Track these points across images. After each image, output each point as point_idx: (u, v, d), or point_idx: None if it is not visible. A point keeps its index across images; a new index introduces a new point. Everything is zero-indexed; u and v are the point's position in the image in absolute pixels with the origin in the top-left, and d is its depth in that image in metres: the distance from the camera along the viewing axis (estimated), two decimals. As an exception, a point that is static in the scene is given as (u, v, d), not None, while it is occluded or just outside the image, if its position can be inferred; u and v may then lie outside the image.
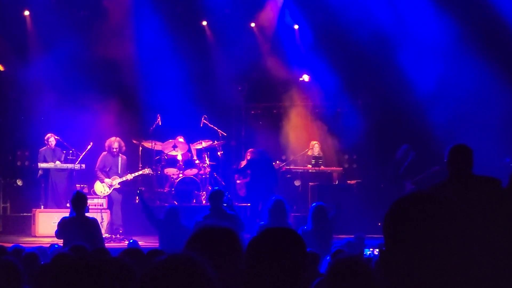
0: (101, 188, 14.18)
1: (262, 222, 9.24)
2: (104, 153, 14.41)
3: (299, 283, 2.63)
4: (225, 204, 9.61)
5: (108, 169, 14.33)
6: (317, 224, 8.99)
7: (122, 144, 14.49)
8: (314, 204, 9.58)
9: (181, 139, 15.69)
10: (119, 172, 14.33)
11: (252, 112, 18.46)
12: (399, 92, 16.21)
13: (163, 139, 15.73)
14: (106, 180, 14.16)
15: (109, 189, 14.17)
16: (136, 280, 2.23)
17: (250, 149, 15.53)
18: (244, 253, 2.76)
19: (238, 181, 15.52)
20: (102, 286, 2.25)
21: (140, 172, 14.72)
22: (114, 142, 14.32)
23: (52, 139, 14.69)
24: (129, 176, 14.39)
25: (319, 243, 8.31)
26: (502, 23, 15.25)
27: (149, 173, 14.99)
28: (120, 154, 14.42)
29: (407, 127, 15.90)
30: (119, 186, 14.24)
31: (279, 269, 2.61)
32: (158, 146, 15.66)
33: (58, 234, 9.23)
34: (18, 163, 17.04)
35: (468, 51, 15.37)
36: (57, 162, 14.60)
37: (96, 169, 14.30)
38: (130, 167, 14.80)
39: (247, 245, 2.77)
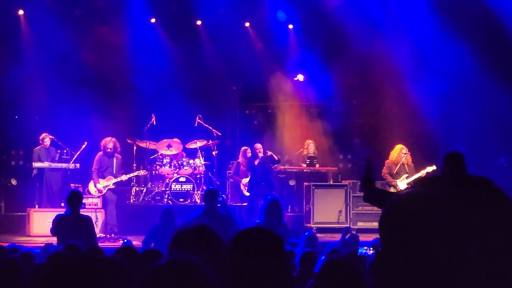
0: (95, 189, 14.19)
1: (258, 221, 9.29)
2: (100, 153, 14.39)
3: (281, 283, 2.58)
4: (219, 205, 9.61)
5: (104, 169, 14.33)
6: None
7: (117, 144, 14.47)
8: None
9: (177, 140, 15.69)
10: (114, 172, 14.32)
11: (247, 111, 18.46)
12: (394, 91, 16.23)
13: (157, 139, 15.74)
14: (101, 182, 14.15)
15: (104, 189, 14.17)
16: (131, 279, 2.23)
17: (244, 147, 15.49)
18: (222, 258, 2.68)
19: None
20: (97, 286, 2.25)
21: (135, 173, 14.74)
22: (109, 142, 14.31)
23: (47, 139, 14.67)
24: (124, 177, 14.39)
25: None
26: (493, 18, 15.28)
27: (144, 174, 15.02)
28: (115, 154, 14.42)
29: (402, 127, 15.91)
30: (113, 186, 14.24)
31: (257, 271, 2.56)
32: (152, 145, 15.66)
33: (53, 231, 9.25)
34: (13, 163, 17.02)
35: (464, 52, 15.40)
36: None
37: (92, 170, 14.28)
38: (124, 167, 14.80)
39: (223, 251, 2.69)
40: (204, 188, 15.41)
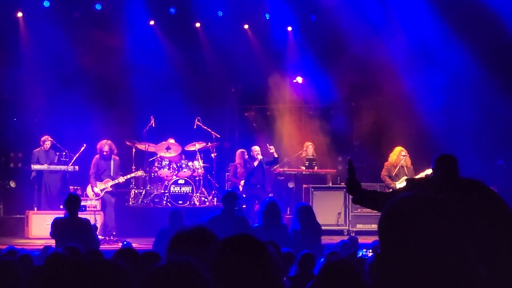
0: (93, 192, 14.19)
1: (256, 224, 9.34)
2: (97, 156, 14.39)
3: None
4: (236, 208, 9.65)
5: (101, 172, 14.31)
6: (305, 223, 9.10)
7: (113, 147, 14.44)
8: (300, 204, 9.69)
9: (172, 141, 15.69)
10: (112, 174, 14.31)
11: (246, 113, 18.46)
12: (394, 93, 16.23)
13: (156, 141, 15.73)
14: (98, 185, 14.15)
15: (101, 192, 14.16)
16: (131, 282, 2.22)
17: (241, 149, 15.49)
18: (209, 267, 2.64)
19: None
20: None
21: (133, 175, 14.73)
22: (105, 145, 14.29)
23: (48, 141, 14.69)
24: (121, 179, 14.36)
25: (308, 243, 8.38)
26: (495, 18, 15.27)
27: (142, 175, 15.01)
28: (112, 156, 14.40)
29: (402, 129, 15.92)
30: (111, 189, 14.22)
31: (240, 277, 2.54)
32: (151, 148, 15.65)
33: (52, 234, 9.27)
34: (11, 165, 16.99)
35: (466, 54, 15.41)
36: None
37: (90, 174, 14.28)
38: (123, 169, 14.79)
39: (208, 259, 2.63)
40: (203, 190, 15.43)
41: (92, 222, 10.19)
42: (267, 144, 14.49)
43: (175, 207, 13.71)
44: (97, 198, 14.12)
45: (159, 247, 9.31)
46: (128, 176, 14.59)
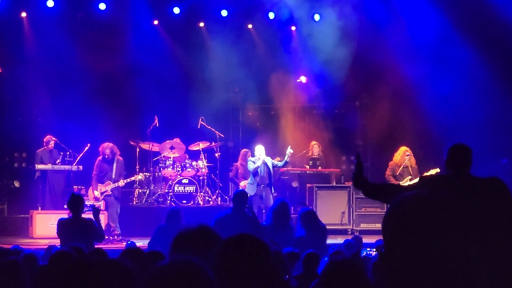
0: (93, 195, 14.19)
1: (264, 222, 9.41)
2: (99, 158, 14.38)
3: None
4: (247, 205, 9.67)
5: (103, 174, 14.31)
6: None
7: (115, 150, 14.40)
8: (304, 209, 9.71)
9: (176, 140, 15.69)
10: (114, 176, 14.27)
11: (250, 113, 18.44)
12: (397, 93, 16.21)
13: (160, 141, 15.74)
14: (99, 188, 14.15)
15: (101, 196, 14.15)
16: (137, 283, 2.22)
17: (245, 149, 15.47)
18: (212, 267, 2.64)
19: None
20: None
21: (133, 178, 14.69)
22: (106, 148, 14.27)
23: (51, 141, 14.71)
24: (121, 183, 14.32)
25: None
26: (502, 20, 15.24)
27: (142, 179, 14.95)
28: (116, 157, 14.36)
29: (406, 128, 15.89)
30: (110, 192, 14.16)
31: (245, 279, 2.53)
32: (155, 147, 15.66)
33: (57, 233, 9.30)
34: (15, 165, 17.03)
35: (471, 54, 15.38)
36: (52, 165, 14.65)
37: (92, 175, 14.28)
38: (127, 169, 14.80)
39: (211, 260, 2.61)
40: (207, 189, 15.43)
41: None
42: (289, 146, 14.24)
43: (174, 206, 13.70)
44: (97, 202, 14.10)
45: (155, 244, 9.33)
46: (128, 180, 14.56)
